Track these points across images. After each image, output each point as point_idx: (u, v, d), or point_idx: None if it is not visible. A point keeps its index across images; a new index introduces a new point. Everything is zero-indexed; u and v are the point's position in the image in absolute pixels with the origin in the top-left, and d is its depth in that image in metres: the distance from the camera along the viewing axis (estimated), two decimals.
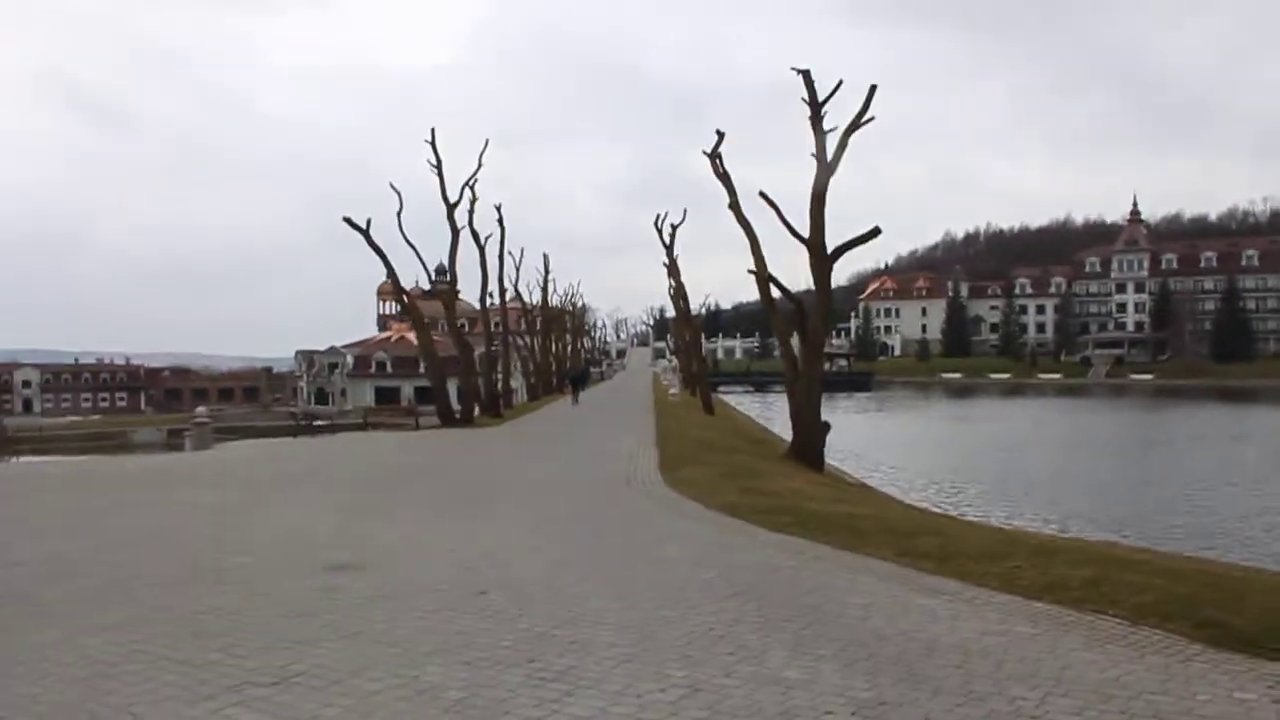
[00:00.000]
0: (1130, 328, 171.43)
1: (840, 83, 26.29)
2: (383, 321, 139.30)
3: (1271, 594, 8.65)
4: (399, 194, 42.89)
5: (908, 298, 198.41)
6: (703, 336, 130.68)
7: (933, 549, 10.44)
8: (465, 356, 45.12)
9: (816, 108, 26.32)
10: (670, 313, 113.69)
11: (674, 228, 59.85)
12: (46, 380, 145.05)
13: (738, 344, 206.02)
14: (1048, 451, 48.00)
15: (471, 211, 48.04)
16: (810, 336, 27.44)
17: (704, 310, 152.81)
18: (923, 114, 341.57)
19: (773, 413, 67.25)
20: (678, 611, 7.86)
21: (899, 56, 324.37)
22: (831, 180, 26.24)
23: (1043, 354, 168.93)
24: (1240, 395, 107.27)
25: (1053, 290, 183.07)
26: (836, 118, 26.37)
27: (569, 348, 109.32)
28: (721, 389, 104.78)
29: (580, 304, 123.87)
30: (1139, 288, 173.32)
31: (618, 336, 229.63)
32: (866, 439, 52.72)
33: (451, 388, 44.71)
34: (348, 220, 40.47)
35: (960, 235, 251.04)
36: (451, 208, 44.26)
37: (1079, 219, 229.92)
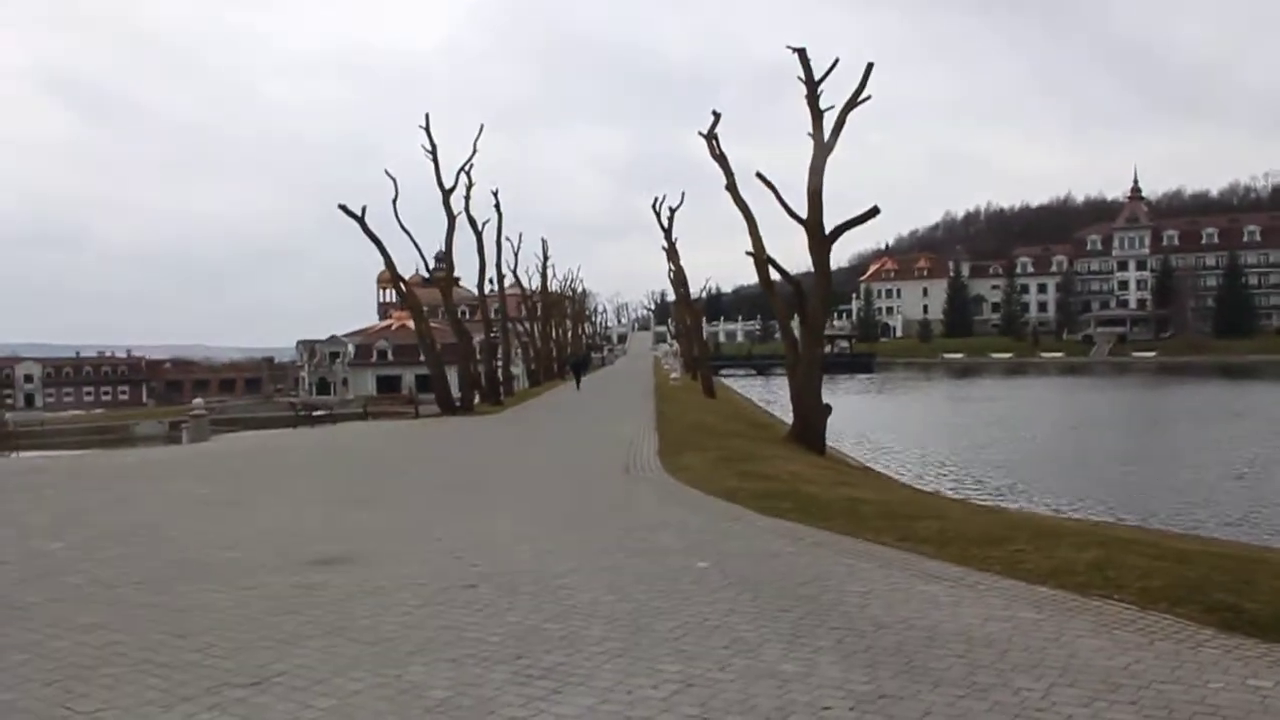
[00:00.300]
0: (1132, 305, 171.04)
1: (836, 61, 26.10)
2: (383, 310, 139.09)
3: None
4: (394, 180, 42.68)
5: (909, 278, 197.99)
6: (703, 320, 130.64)
7: (934, 533, 10.23)
8: (464, 344, 44.90)
9: (813, 86, 26.12)
10: (671, 297, 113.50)
11: (672, 211, 59.74)
12: (48, 374, 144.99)
13: (739, 327, 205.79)
14: (1050, 431, 47.78)
15: (468, 197, 47.84)
16: (810, 318, 27.22)
17: (704, 294, 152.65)
18: (922, 94, 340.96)
19: (774, 396, 67.09)
20: (671, 603, 7.65)
21: (899, 36, 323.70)
22: (830, 160, 26.02)
23: (1045, 333, 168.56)
24: (1242, 371, 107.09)
25: (1054, 269, 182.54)
26: (834, 97, 26.12)
27: (569, 333, 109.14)
28: (723, 373, 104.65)
29: (580, 289, 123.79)
30: (1140, 265, 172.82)
31: (619, 321, 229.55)
32: (868, 421, 52.53)
33: (452, 376, 44.52)
34: (343, 208, 40.24)
35: (961, 215, 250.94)
36: (447, 193, 44.01)
37: (1080, 197, 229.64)
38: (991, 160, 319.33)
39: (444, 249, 45.02)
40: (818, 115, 26.15)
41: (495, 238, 57.74)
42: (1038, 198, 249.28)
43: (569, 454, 21.00)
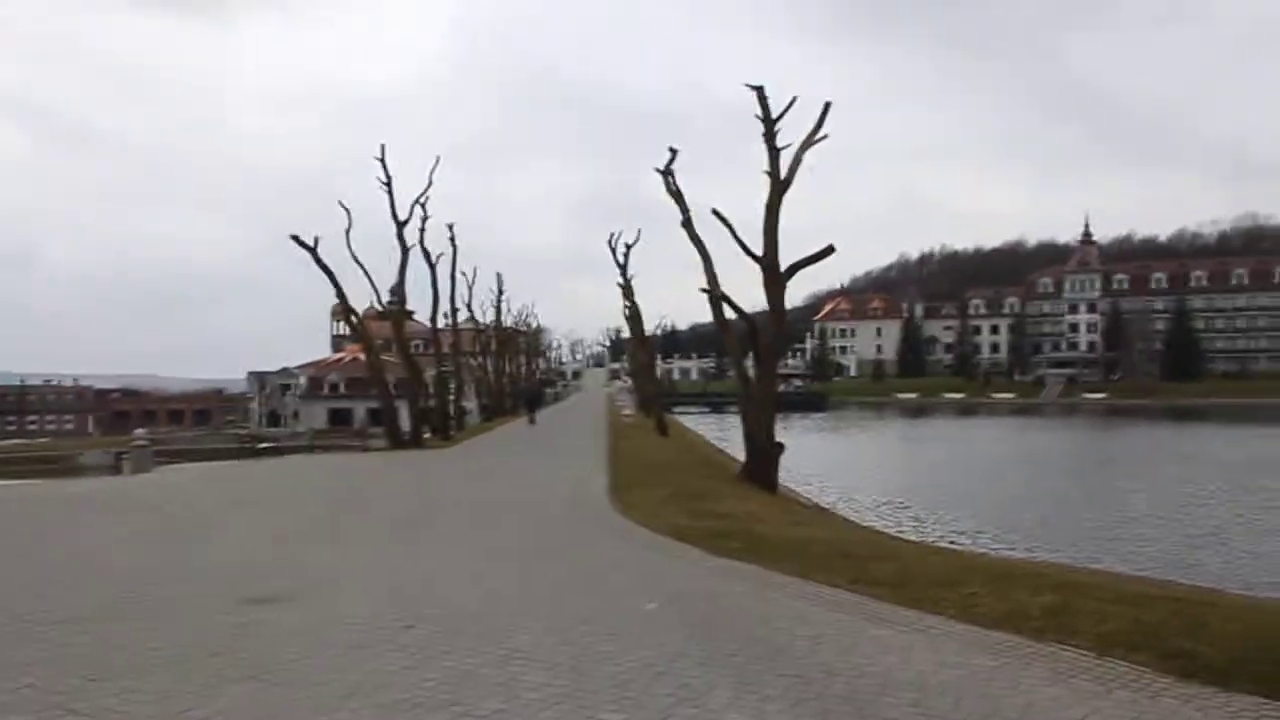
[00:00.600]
0: (1083, 348, 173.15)
1: (794, 99, 26.06)
2: (336, 342, 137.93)
3: (1237, 620, 8.28)
4: (348, 211, 42.33)
5: (863, 318, 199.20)
6: (659, 357, 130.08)
7: (888, 575, 10.02)
8: (414, 377, 44.44)
9: (770, 124, 26.08)
10: (626, 333, 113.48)
11: (628, 247, 59.53)
12: None
13: (694, 364, 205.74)
14: (1003, 472, 47.87)
15: (423, 230, 47.43)
16: (763, 356, 27.05)
17: (660, 331, 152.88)
18: (880, 135, 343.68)
19: (728, 434, 66.87)
20: (616, 646, 7.37)
21: (856, 79, 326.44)
22: (787, 199, 25.96)
23: (996, 374, 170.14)
24: (1190, 414, 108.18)
25: (1006, 311, 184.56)
26: (792, 136, 26.10)
27: (523, 368, 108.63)
28: (677, 410, 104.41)
29: (535, 324, 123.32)
30: (1091, 308, 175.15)
31: (574, 357, 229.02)
32: (822, 460, 52.40)
33: (404, 410, 44.04)
34: (295, 238, 39.80)
35: (915, 256, 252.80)
36: (401, 225, 43.69)
37: (1032, 240, 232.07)
38: (946, 202, 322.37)
39: (397, 282, 44.64)
40: (774, 153, 26.09)
41: (450, 271, 57.40)
42: (991, 240, 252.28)
43: (517, 490, 20.64)
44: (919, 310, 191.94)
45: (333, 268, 40.96)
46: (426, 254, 49.50)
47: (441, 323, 54.79)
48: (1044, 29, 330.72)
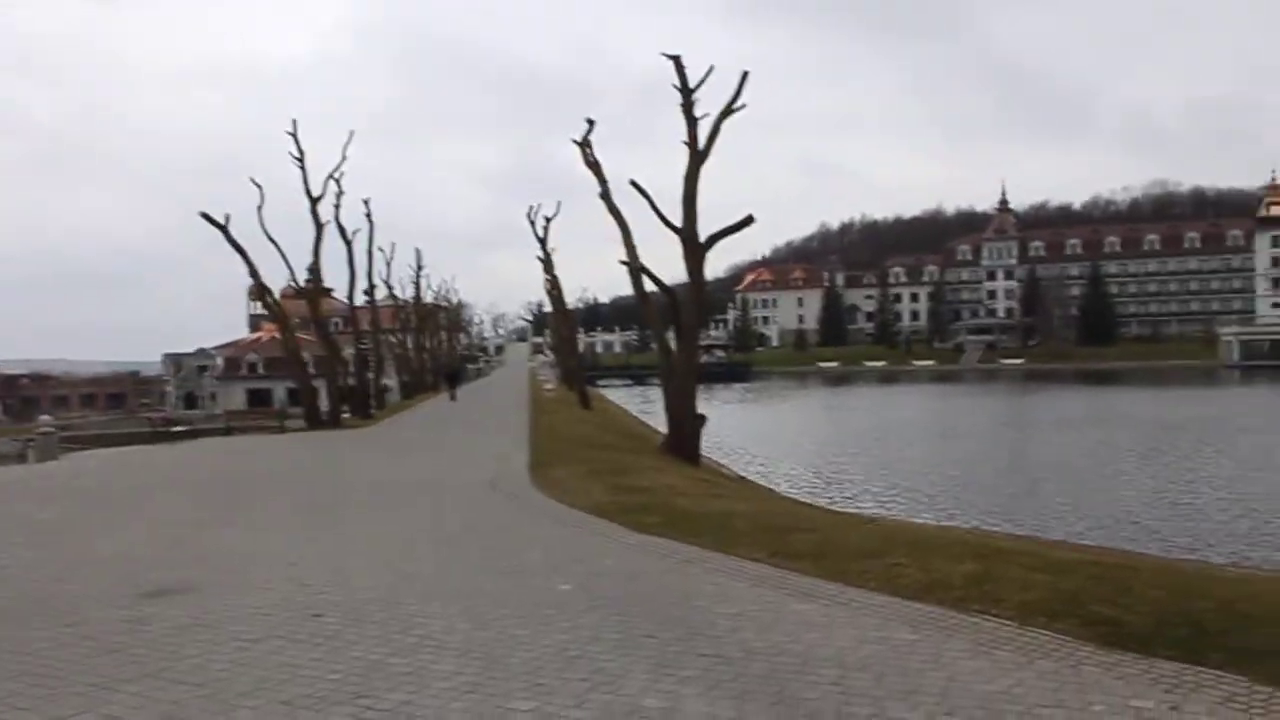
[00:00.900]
0: (1001, 314, 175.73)
1: (711, 69, 25.94)
2: (254, 322, 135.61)
3: (1158, 585, 8.27)
4: (259, 188, 41.49)
5: (784, 288, 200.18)
6: (581, 330, 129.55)
7: (809, 547, 9.91)
8: (332, 356, 43.81)
9: (688, 94, 25.96)
10: (548, 308, 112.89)
11: (548, 220, 59.19)
12: None
13: (617, 337, 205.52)
14: (924, 439, 48.33)
15: (338, 206, 46.75)
16: (684, 328, 26.94)
17: (582, 304, 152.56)
18: (798, 106, 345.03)
19: (651, 406, 66.86)
20: (530, 630, 7.16)
21: (776, 49, 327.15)
22: (707, 170, 25.89)
23: (917, 341, 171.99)
24: (1104, 378, 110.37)
25: (926, 279, 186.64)
26: (711, 106, 25.96)
27: (444, 345, 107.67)
28: (601, 383, 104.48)
29: (456, 300, 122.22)
30: (1008, 275, 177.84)
31: (496, 332, 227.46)
32: (745, 430, 52.59)
33: (323, 389, 43.38)
34: (205, 216, 38.96)
35: (835, 226, 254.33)
36: (315, 201, 43.02)
37: (951, 209, 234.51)
38: (865, 172, 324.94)
39: (311, 259, 43.89)
40: (692, 123, 26.00)
41: (367, 247, 56.68)
42: (910, 209, 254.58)
43: (436, 469, 20.31)
44: (840, 279, 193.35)
45: (249, 246, 40.28)
46: (342, 230, 48.83)
47: (360, 300, 54.11)
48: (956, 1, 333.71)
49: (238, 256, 39.78)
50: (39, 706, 5.78)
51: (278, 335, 70.38)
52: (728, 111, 25.70)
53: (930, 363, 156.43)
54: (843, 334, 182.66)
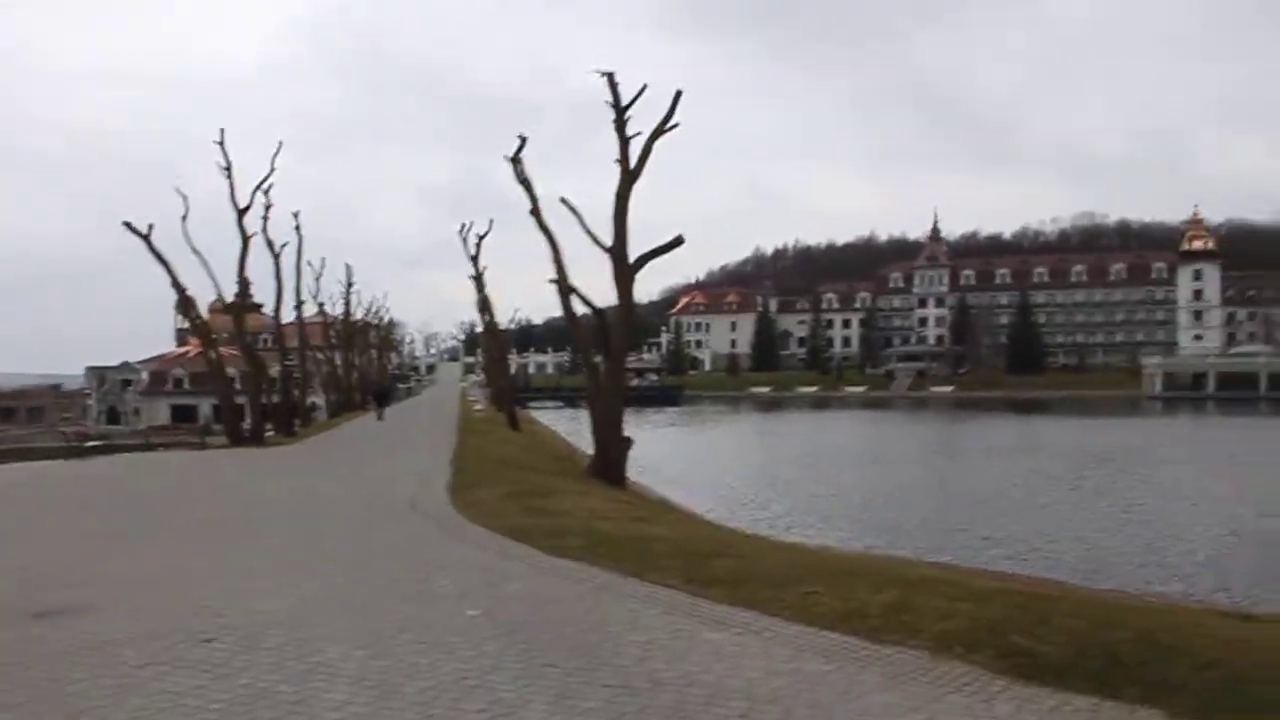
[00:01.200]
0: (931, 341, 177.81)
1: (644, 87, 25.91)
2: (181, 336, 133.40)
3: (1077, 615, 8.17)
4: (184, 198, 40.81)
5: (718, 312, 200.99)
6: (514, 351, 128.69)
7: (726, 574, 9.70)
8: (256, 372, 43.12)
9: (620, 111, 25.91)
10: (481, 327, 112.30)
11: (480, 238, 58.67)
12: None
13: (549, 359, 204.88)
14: (853, 465, 48.48)
15: (266, 218, 46.18)
16: (612, 349, 26.78)
17: (515, 325, 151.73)
18: (734, 130, 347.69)
19: (581, 428, 66.44)
20: (431, 658, 6.88)
21: (712, 72, 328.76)
22: (642, 191, 25.88)
23: (848, 367, 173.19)
24: (1032, 407, 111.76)
25: (858, 305, 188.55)
26: (644, 125, 25.92)
27: (375, 363, 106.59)
28: (532, 404, 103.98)
29: (387, 317, 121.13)
30: (939, 302, 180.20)
31: (428, 351, 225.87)
32: (674, 454, 52.49)
33: (248, 405, 42.69)
34: (128, 225, 38.20)
35: (770, 251, 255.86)
36: (242, 213, 42.37)
37: (884, 236, 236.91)
38: (801, 198, 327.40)
39: (236, 271, 43.22)
40: (624, 141, 25.97)
41: (295, 262, 56.02)
42: (844, 236, 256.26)
43: (356, 488, 19.89)
44: (773, 304, 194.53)
45: (179, 257, 39.60)
46: (270, 243, 48.22)
47: (289, 315, 53.46)
48: (895, 28, 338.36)
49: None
50: None
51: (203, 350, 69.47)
52: (660, 131, 25.67)
53: (861, 389, 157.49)
54: (775, 359, 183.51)
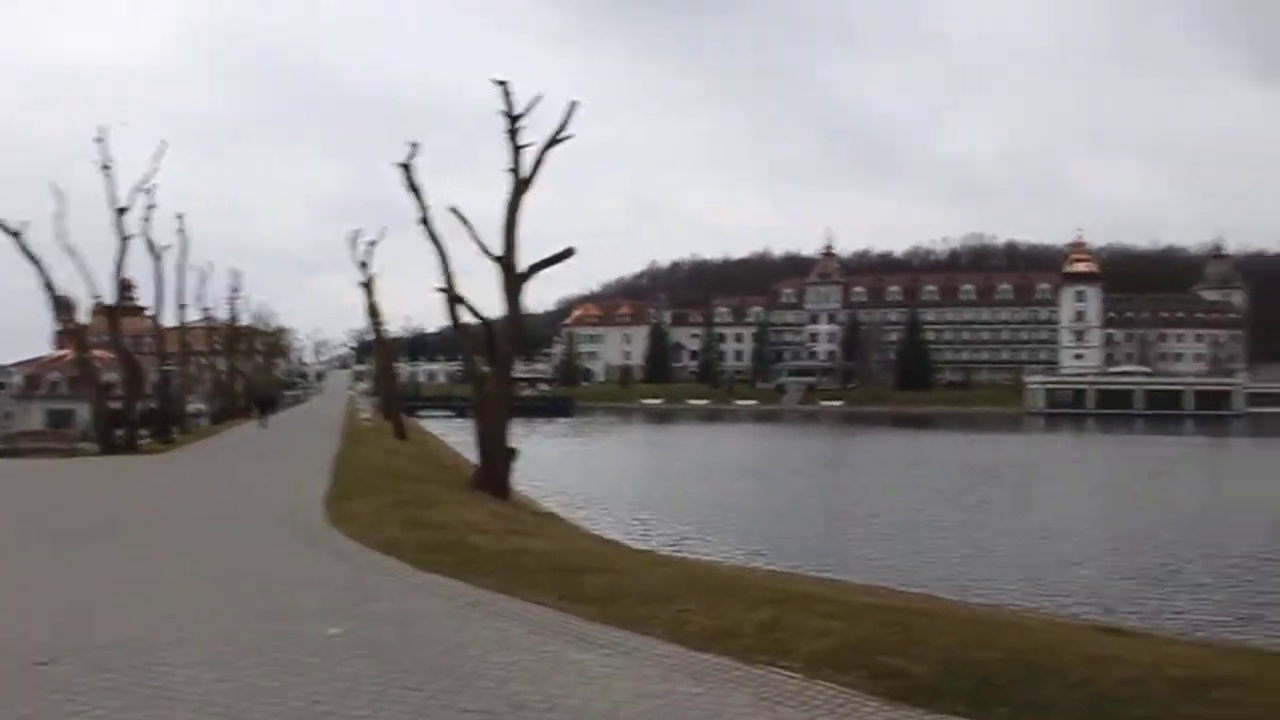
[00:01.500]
0: (822, 356, 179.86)
1: (539, 96, 25.74)
2: (60, 339, 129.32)
3: (948, 632, 8.13)
4: (60, 195, 39.41)
5: (611, 324, 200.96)
6: (405, 360, 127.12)
7: (600, 590, 9.49)
8: (132, 377, 41.86)
9: (513, 120, 25.67)
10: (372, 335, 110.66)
11: (370, 244, 57.67)
12: None
13: (441, 367, 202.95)
14: (740, 478, 48.65)
15: (147, 219, 44.82)
16: (499, 358, 26.48)
17: (407, 333, 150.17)
18: (633, 144, 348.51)
19: (471, 438, 65.87)
20: (283, 681, 6.54)
21: (609, 81, 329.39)
22: (538, 202, 25.74)
23: (740, 381, 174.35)
24: (919, 422, 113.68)
25: (750, 319, 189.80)
26: (539, 136, 25.71)
27: (261, 369, 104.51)
28: (423, 414, 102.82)
29: (276, 323, 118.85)
30: (831, 318, 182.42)
31: (318, 358, 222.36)
32: (563, 465, 52.22)
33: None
34: None
35: (665, 264, 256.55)
36: (120, 213, 41.12)
37: (778, 252, 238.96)
38: (698, 212, 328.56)
39: (115, 273, 41.93)
40: (516, 150, 25.77)
41: (178, 265, 54.52)
42: (739, 250, 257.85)
43: (226, 499, 19.33)
44: (667, 317, 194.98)
45: (56, 258, 38.28)
46: (151, 245, 46.85)
47: (173, 320, 52.10)
48: (793, 49, 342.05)
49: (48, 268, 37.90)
50: None
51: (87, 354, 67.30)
52: (554, 140, 25.48)
53: (752, 402, 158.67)
54: (667, 371, 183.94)
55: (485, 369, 28.13)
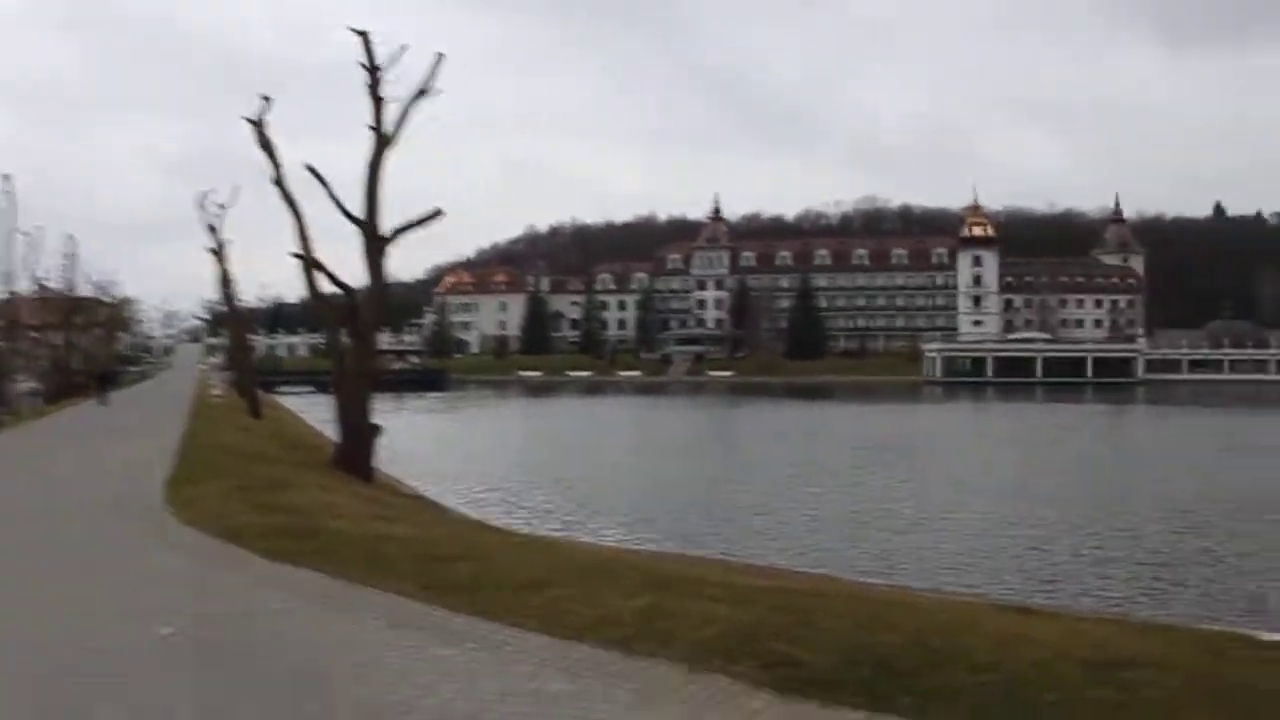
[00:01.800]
0: (710, 325, 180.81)
1: (404, 47, 25.14)
2: None
3: (844, 615, 8.00)
4: None
5: (486, 292, 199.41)
6: (263, 332, 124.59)
7: (467, 578, 9.21)
8: None
9: (374, 73, 25.09)
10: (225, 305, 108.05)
11: (221, 207, 56.05)
12: None
13: (301, 340, 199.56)
14: (623, 452, 48.63)
15: None
16: (362, 329, 25.91)
17: (265, 303, 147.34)
18: (511, 103, 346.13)
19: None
20: (104, 692, 6.14)
21: (487, 42, 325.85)
22: (408, 165, 25.23)
23: (624, 351, 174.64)
24: (812, 392, 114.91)
25: (635, 287, 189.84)
26: (406, 92, 25.15)
27: (103, 343, 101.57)
28: (283, 389, 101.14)
29: (120, 294, 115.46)
30: (719, 285, 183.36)
31: (166, 331, 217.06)
32: (434, 442, 51.60)
33: None
34: None
35: (544, 228, 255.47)
36: None
37: (663, 216, 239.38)
38: (577, 173, 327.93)
39: None
40: (378, 105, 25.23)
41: (7, 231, 52.53)
42: (622, 215, 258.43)
43: (55, 485, 18.53)
44: (545, 285, 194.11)
45: None
46: None
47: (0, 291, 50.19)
48: (677, 5, 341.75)
49: None
50: None
51: None
52: (419, 95, 24.95)
53: (636, 373, 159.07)
54: (546, 342, 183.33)
55: (347, 341, 27.55)
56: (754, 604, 8.27)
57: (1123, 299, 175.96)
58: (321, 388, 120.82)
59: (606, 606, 7.99)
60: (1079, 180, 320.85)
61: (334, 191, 25.21)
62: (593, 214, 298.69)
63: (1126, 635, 8.32)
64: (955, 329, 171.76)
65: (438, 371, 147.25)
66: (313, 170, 25.81)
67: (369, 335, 26.20)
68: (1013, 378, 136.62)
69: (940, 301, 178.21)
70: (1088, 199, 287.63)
